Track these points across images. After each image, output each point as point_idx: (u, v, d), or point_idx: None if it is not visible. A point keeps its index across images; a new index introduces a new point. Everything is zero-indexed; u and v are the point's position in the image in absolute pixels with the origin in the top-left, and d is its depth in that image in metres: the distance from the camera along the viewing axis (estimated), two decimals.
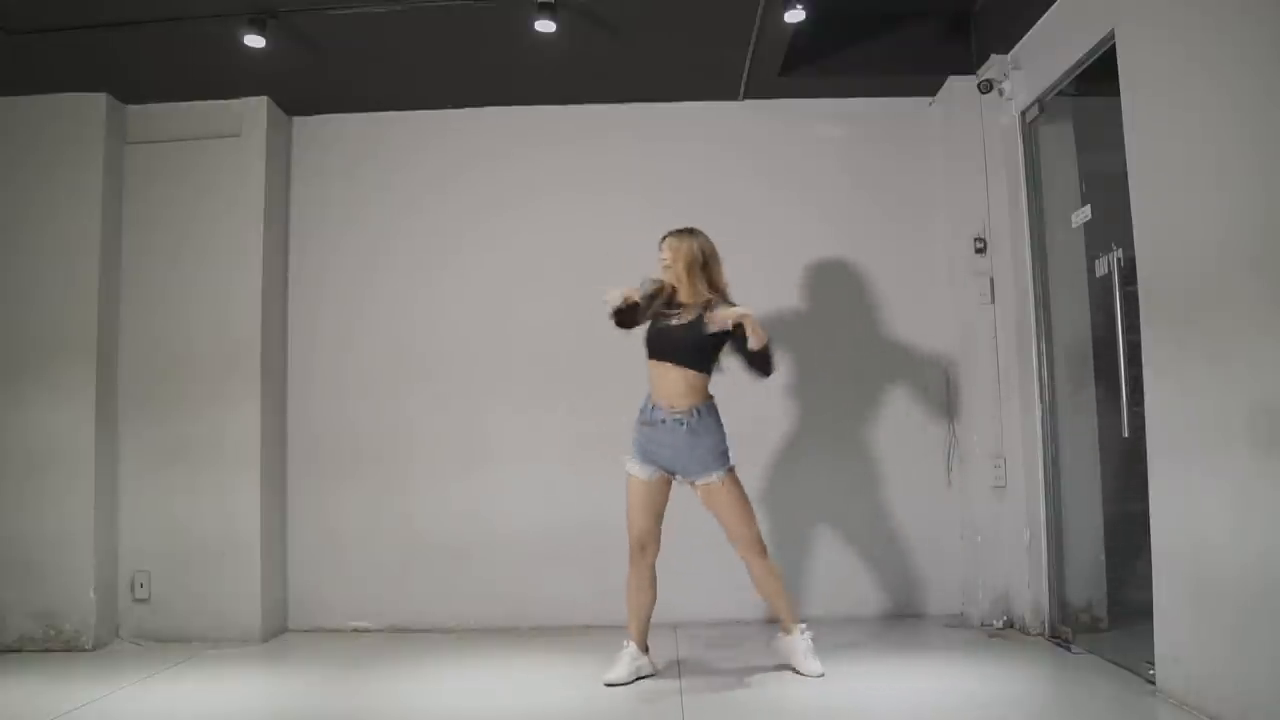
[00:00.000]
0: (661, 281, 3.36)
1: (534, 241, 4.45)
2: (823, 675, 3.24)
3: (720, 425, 3.30)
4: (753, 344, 3.15)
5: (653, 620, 3.36)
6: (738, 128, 4.49)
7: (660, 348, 3.29)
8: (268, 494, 4.19)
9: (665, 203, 4.38)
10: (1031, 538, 3.91)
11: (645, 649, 3.34)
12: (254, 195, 4.24)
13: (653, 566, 3.31)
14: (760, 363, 3.25)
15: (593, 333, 4.29)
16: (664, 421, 3.24)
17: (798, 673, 3.29)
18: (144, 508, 4.15)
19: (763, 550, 3.32)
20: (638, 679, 3.27)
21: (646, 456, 3.28)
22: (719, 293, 3.32)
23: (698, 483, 3.26)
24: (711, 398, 3.32)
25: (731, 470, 3.28)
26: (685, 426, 3.23)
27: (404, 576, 4.30)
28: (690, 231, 3.35)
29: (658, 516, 3.30)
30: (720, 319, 3.15)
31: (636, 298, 3.22)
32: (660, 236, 3.38)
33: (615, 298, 3.16)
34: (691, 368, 3.25)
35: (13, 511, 3.98)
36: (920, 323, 4.35)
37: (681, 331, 3.24)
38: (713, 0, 3.60)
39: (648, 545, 3.29)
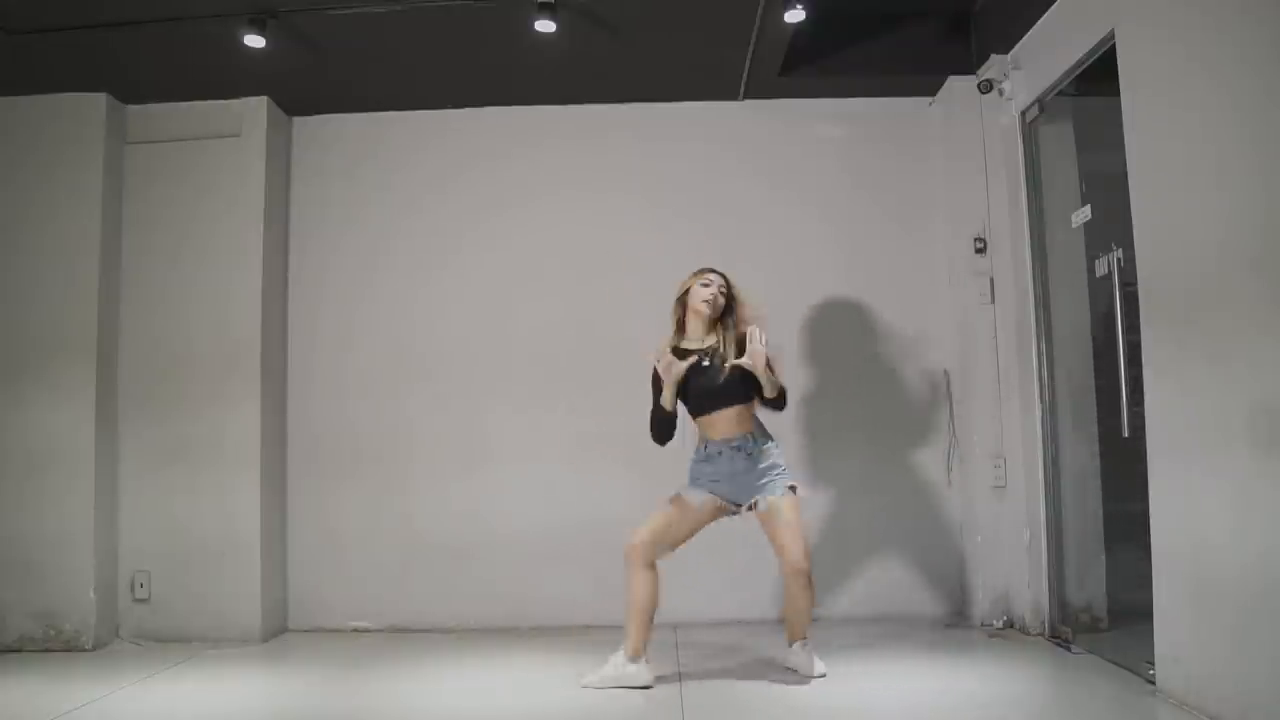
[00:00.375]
0: (682, 346, 3.34)
1: (534, 241, 4.45)
2: (824, 675, 3.24)
3: (777, 446, 3.30)
4: (768, 391, 3.20)
5: (654, 620, 3.31)
6: (738, 128, 4.49)
7: (707, 403, 3.26)
8: (268, 494, 4.19)
9: (665, 203, 4.41)
10: (1031, 538, 3.91)
11: (642, 654, 3.22)
12: (254, 195, 4.25)
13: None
14: (774, 405, 3.28)
15: (593, 333, 4.32)
16: (721, 453, 3.24)
17: (799, 673, 3.28)
18: (144, 508, 4.15)
19: (811, 582, 3.24)
20: (622, 687, 3.16)
21: (708, 489, 3.24)
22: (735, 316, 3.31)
23: (766, 500, 3.20)
24: (762, 424, 3.33)
25: (795, 490, 3.25)
26: (743, 452, 3.22)
27: (404, 576, 4.30)
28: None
29: (689, 537, 3.27)
30: (751, 358, 3.14)
31: (681, 371, 3.22)
32: (706, 269, 3.36)
33: (670, 394, 3.23)
34: (744, 401, 3.26)
35: (13, 511, 3.98)
36: (920, 323, 4.35)
37: (721, 376, 3.22)
38: (713, 0, 3.60)
39: (662, 555, 3.24)
